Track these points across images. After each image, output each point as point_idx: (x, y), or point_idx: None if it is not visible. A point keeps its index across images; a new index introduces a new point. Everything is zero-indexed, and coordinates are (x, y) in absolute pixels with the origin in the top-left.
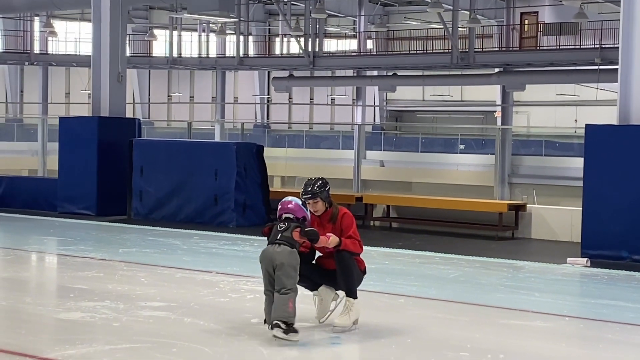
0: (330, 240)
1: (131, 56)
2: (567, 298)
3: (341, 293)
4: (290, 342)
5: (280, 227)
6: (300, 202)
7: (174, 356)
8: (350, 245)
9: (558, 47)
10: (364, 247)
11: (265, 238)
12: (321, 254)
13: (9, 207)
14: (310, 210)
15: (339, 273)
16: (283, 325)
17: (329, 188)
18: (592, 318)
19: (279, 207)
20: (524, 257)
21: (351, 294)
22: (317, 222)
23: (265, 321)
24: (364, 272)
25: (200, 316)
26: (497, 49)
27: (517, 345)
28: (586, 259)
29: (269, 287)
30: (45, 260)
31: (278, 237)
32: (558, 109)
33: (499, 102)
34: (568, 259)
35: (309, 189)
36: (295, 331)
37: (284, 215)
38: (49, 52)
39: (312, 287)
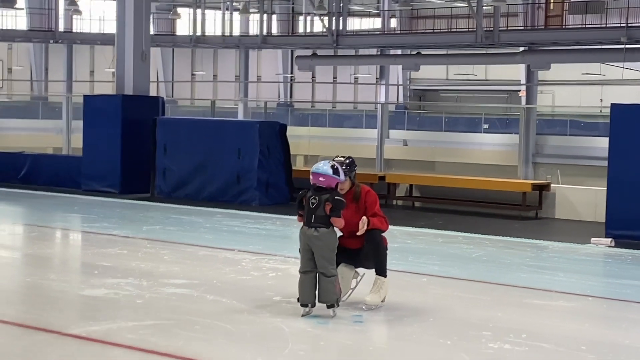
0: (363, 225)
1: (155, 35)
2: (591, 278)
3: (361, 271)
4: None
5: (312, 203)
6: (330, 172)
7: (196, 333)
8: (378, 223)
9: (584, 26)
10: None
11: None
12: (342, 234)
13: (33, 184)
14: None
15: (370, 252)
16: (335, 305)
17: (356, 167)
18: (616, 298)
19: (311, 173)
20: (548, 237)
21: (382, 272)
22: None
23: (298, 299)
24: (386, 250)
25: (223, 294)
26: (522, 28)
27: (539, 325)
28: (610, 239)
29: (307, 267)
30: (69, 237)
31: (313, 220)
32: (583, 89)
33: (523, 81)
34: (592, 239)
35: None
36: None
37: (317, 185)
38: (74, 30)
39: None
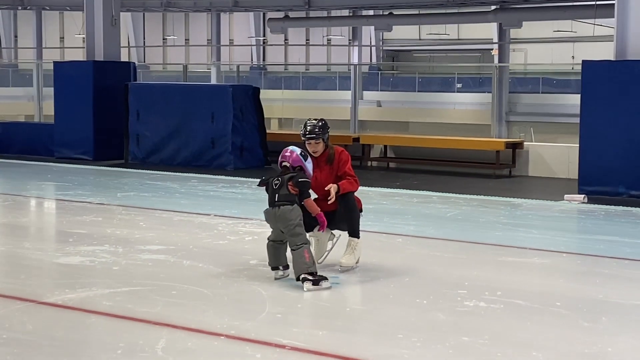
0: (332, 193)
1: None
2: (565, 234)
3: (337, 232)
4: (322, 289)
5: (275, 184)
6: (298, 151)
7: (173, 298)
8: (348, 186)
9: None
10: (362, 187)
11: (263, 189)
12: (316, 196)
13: (6, 152)
14: (309, 151)
15: (344, 214)
16: (310, 277)
17: (329, 129)
18: (589, 254)
19: (280, 155)
20: (522, 195)
21: (355, 233)
22: (314, 163)
23: (269, 264)
24: (361, 211)
25: (199, 259)
26: None
27: (514, 282)
28: (583, 195)
29: (276, 238)
30: (43, 205)
31: (276, 199)
32: (555, 46)
33: (495, 39)
34: (565, 195)
35: (311, 129)
36: (324, 278)
37: (282, 163)
38: None
39: (307, 228)
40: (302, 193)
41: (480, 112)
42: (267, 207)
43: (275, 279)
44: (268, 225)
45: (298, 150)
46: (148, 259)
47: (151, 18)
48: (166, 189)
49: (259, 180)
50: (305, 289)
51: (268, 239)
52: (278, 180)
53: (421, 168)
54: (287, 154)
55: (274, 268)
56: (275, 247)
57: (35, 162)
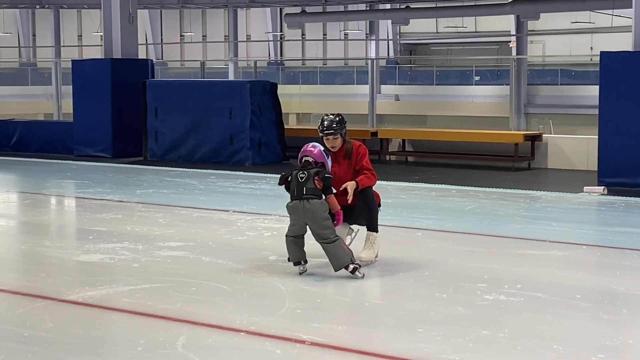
0: (350, 192)
1: None
2: (584, 227)
3: (355, 227)
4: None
5: (301, 177)
6: (322, 147)
7: (193, 295)
8: (366, 180)
9: None
10: (380, 181)
11: (282, 187)
12: (335, 191)
13: (25, 151)
14: (327, 147)
15: (363, 209)
16: (355, 266)
17: (347, 123)
18: (610, 246)
19: (301, 150)
20: (541, 187)
21: (374, 228)
22: (332, 158)
23: (288, 259)
24: (379, 206)
25: (219, 255)
26: None
27: (534, 275)
28: (603, 187)
29: (296, 233)
30: (63, 203)
31: (304, 193)
32: (573, 37)
33: (513, 32)
34: (585, 187)
35: (329, 124)
36: (359, 266)
37: (304, 159)
38: None
39: None
40: (327, 189)
41: (499, 105)
42: (291, 200)
43: (300, 273)
44: (287, 221)
45: (321, 147)
46: (167, 256)
47: (168, 15)
48: (185, 186)
49: (278, 176)
50: (359, 276)
51: (287, 235)
52: (304, 173)
53: (440, 161)
54: (310, 148)
55: (297, 263)
56: (296, 242)
57: (54, 160)
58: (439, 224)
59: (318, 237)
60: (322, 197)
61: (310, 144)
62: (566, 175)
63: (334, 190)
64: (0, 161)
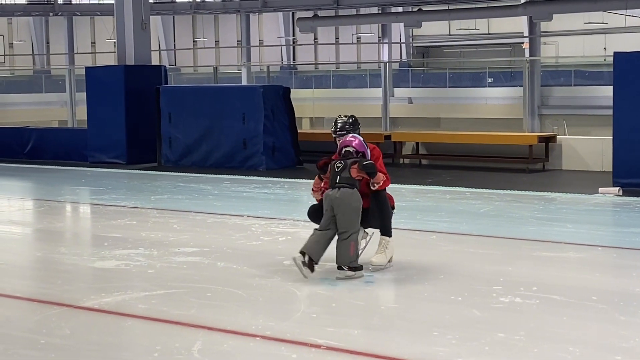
0: (380, 180)
1: (154, 3)
2: (600, 228)
3: (370, 231)
4: (354, 278)
5: (338, 167)
6: (363, 140)
7: (208, 300)
8: (382, 183)
9: None
10: (394, 184)
11: (317, 169)
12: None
13: (40, 158)
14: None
15: (376, 212)
16: (346, 268)
17: (360, 125)
18: (625, 247)
19: (340, 142)
20: (556, 189)
21: (386, 231)
22: None
23: (300, 252)
24: (393, 209)
25: (234, 260)
26: None
27: (550, 277)
28: (618, 187)
29: (323, 227)
30: (78, 210)
31: (337, 181)
32: (586, 38)
33: (526, 33)
34: (600, 188)
35: (342, 125)
36: (360, 268)
37: (344, 149)
38: (73, 2)
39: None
40: (371, 175)
41: (512, 107)
42: (327, 190)
43: (293, 258)
44: (301, 225)
45: (361, 138)
46: (182, 262)
47: (181, 21)
48: (199, 191)
49: (292, 180)
50: (336, 277)
51: (315, 229)
52: (341, 163)
53: (453, 164)
54: (351, 139)
55: (301, 252)
56: (319, 235)
57: (69, 167)
58: (454, 226)
59: (338, 229)
60: (355, 187)
61: (350, 134)
62: (581, 176)
63: (381, 179)
64: (15, 169)
